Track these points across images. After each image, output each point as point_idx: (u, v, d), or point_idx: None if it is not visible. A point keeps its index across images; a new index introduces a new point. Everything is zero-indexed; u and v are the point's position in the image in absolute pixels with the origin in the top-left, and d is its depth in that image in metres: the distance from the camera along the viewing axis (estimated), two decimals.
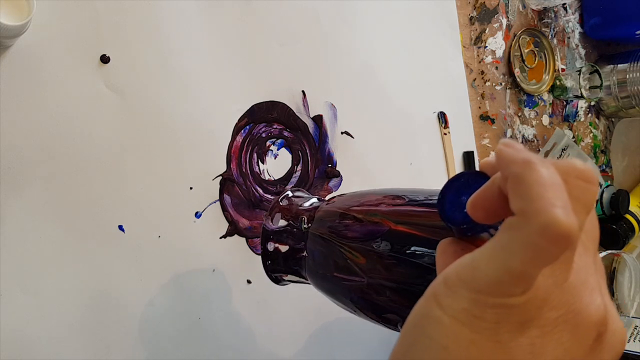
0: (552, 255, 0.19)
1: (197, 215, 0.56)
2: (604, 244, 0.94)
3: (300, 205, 0.49)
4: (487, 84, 0.81)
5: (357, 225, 0.42)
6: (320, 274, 0.45)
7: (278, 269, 0.49)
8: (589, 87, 0.86)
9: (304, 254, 0.46)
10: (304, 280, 0.49)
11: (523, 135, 0.85)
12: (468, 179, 0.25)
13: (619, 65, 0.91)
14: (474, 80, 0.79)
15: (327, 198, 0.49)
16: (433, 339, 0.20)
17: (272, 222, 0.49)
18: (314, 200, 0.50)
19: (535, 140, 0.87)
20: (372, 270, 0.41)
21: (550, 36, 0.88)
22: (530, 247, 0.19)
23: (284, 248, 0.48)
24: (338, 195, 0.48)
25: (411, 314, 0.22)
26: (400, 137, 0.71)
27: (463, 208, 0.23)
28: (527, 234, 0.18)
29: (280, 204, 0.50)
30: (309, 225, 0.46)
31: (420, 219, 0.39)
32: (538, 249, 0.18)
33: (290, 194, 0.51)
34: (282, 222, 0.49)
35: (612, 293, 0.96)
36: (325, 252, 0.44)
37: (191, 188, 0.55)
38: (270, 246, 0.49)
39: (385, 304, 0.42)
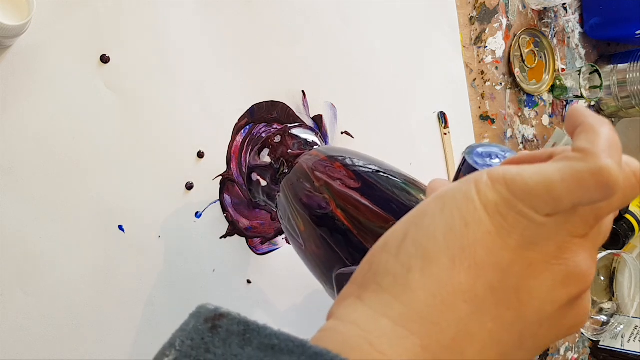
0: (590, 197, 0.21)
1: (197, 215, 0.56)
2: (604, 244, 0.94)
3: (290, 148, 0.52)
4: (487, 84, 0.81)
5: (310, 193, 0.45)
6: (281, 217, 0.49)
7: (256, 196, 0.54)
8: (589, 87, 0.86)
9: (277, 194, 0.50)
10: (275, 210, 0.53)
11: (523, 135, 0.85)
12: (508, 154, 0.27)
13: (619, 65, 0.91)
14: (474, 80, 0.79)
15: (315, 148, 0.51)
16: (461, 212, 0.22)
17: (258, 156, 0.53)
18: (308, 145, 0.52)
19: (535, 140, 0.87)
20: (307, 240, 0.44)
21: (550, 36, 0.88)
22: (577, 179, 0.21)
23: (263, 182, 0.53)
24: (324, 147, 0.51)
25: (449, 188, 0.24)
26: (400, 137, 0.71)
27: (485, 156, 0.27)
28: (581, 168, 0.21)
29: (274, 140, 0.52)
30: (286, 172, 0.49)
31: (358, 213, 0.41)
32: (583, 184, 0.21)
33: (287, 132, 0.53)
34: (268, 159, 0.53)
35: (612, 293, 0.96)
36: (285, 203, 0.48)
37: (191, 188, 0.55)
38: (254, 176, 0.54)
39: (315, 272, 0.45)
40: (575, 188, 0.21)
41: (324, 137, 0.65)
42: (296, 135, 0.53)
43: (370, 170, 0.44)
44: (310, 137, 0.54)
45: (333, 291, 0.43)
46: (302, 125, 0.55)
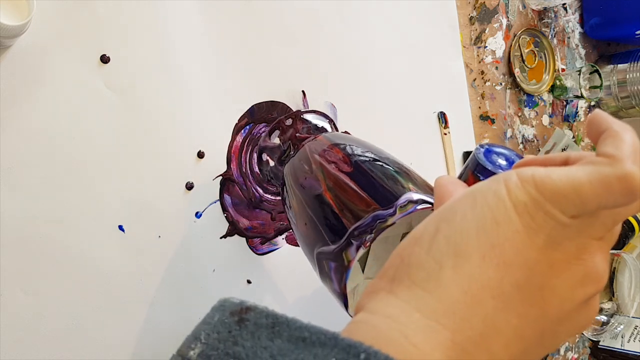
0: (615, 201, 0.22)
1: (197, 215, 0.56)
2: None
3: (299, 131, 0.53)
4: (487, 84, 0.81)
5: (306, 175, 0.46)
6: (283, 197, 0.51)
7: (266, 175, 0.56)
8: (589, 87, 0.86)
9: (283, 175, 0.51)
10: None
11: (523, 135, 0.85)
12: (517, 158, 0.28)
13: (619, 65, 0.91)
14: (474, 80, 0.79)
15: (322, 134, 0.53)
16: (492, 211, 0.23)
17: (269, 138, 0.54)
18: (317, 130, 0.54)
19: (535, 140, 0.87)
20: (299, 219, 0.46)
21: (550, 36, 0.88)
22: (604, 183, 0.21)
23: (272, 162, 0.55)
24: (330, 134, 0.52)
25: (478, 186, 0.25)
26: (400, 137, 0.71)
27: (494, 156, 0.28)
28: (608, 173, 0.22)
29: (285, 122, 0.54)
30: (292, 154, 0.51)
31: (345, 195, 0.43)
32: (609, 188, 0.21)
33: (299, 116, 0.55)
34: (277, 141, 0.54)
35: (612, 293, 0.96)
36: (286, 184, 0.50)
37: (191, 188, 0.55)
38: (264, 156, 0.56)
39: (303, 250, 0.47)
40: (601, 191, 0.22)
41: None
42: (307, 120, 0.55)
43: (367, 159, 0.45)
44: (321, 122, 0.55)
45: (316, 268, 0.44)
46: (315, 111, 0.56)
